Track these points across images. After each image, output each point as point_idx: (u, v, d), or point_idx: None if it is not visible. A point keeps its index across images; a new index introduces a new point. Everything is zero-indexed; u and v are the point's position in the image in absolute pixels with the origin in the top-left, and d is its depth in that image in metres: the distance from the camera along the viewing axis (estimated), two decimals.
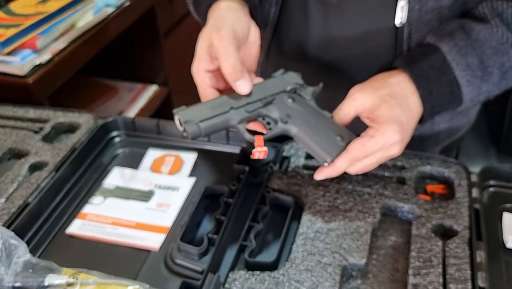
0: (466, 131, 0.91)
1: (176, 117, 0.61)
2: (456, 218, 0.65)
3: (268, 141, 0.82)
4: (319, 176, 0.64)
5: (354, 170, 0.63)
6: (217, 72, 0.64)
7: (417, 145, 0.84)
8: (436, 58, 0.66)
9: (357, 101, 0.63)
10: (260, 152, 0.62)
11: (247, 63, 0.70)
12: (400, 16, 0.69)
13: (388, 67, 0.70)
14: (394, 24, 0.71)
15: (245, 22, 0.66)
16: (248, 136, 0.62)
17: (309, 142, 0.64)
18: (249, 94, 0.63)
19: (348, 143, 0.63)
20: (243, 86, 0.62)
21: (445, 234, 0.65)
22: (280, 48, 0.84)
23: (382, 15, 0.71)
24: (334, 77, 0.78)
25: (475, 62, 0.65)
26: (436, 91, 0.65)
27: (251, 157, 0.63)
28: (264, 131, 0.64)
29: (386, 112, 0.62)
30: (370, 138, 0.61)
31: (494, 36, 0.65)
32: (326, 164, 0.63)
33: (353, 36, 0.74)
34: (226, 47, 0.61)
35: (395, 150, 0.63)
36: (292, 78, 0.68)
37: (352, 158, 0.62)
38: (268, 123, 0.64)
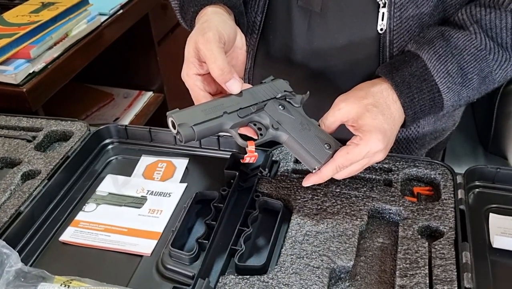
0: (451, 133, 0.93)
1: (170, 120, 0.61)
2: (442, 219, 0.66)
3: (258, 146, 0.84)
4: (307, 182, 0.67)
5: (340, 176, 0.66)
6: (207, 76, 0.65)
7: (403, 147, 0.86)
8: (417, 66, 0.68)
9: (341, 111, 0.65)
10: (251, 157, 0.64)
11: (234, 69, 0.71)
12: (382, 23, 0.71)
13: (372, 74, 0.71)
14: (377, 31, 0.72)
15: (231, 26, 0.68)
16: (240, 141, 0.63)
17: (298, 150, 0.65)
18: (241, 99, 0.64)
19: (335, 151, 0.64)
20: (233, 86, 0.63)
21: (431, 235, 0.66)
22: (267, 55, 0.85)
23: (364, 23, 0.72)
24: (320, 84, 0.79)
25: (454, 69, 0.67)
26: (418, 98, 0.67)
27: (242, 161, 0.64)
28: (255, 136, 0.66)
29: (369, 122, 0.64)
30: (354, 147, 0.63)
31: (473, 43, 0.67)
32: (314, 171, 0.65)
33: (337, 43, 0.75)
34: (211, 50, 0.62)
35: (379, 156, 0.65)
36: (282, 86, 0.69)
37: (338, 165, 0.64)
38: (260, 129, 0.66)
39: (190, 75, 0.65)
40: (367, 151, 0.63)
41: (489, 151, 1.30)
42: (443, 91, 0.68)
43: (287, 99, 0.68)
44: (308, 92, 0.70)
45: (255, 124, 0.66)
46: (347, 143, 0.65)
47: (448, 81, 0.67)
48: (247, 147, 0.63)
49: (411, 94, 0.67)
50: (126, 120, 1.71)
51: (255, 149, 0.64)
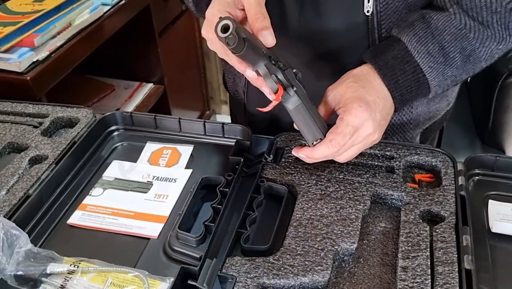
0: (446, 114, 0.94)
1: (225, 22, 0.56)
2: (443, 204, 0.67)
3: (260, 133, 0.85)
4: (298, 152, 0.68)
5: (340, 158, 0.68)
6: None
7: (397, 128, 0.87)
8: (399, 48, 0.70)
9: (329, 98, 0.68)
10: (276, 103, 0.64)
11: None
12: (368, 5, 0.73)
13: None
14: (364, 14, 0.74)
15: None
16: (271, 83, 0.62)
17: (306, 119, 0.66)
18: (271, 52, 0.63)
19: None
20: (268, 37, 0.61)
21: (432, 219, 0.68)
22: None
23: (352, 6, 0.74)
24: (312, 69, 0.81)
25: (436, 49, 0.69)
26: (402, 80, 0.69)
27: (275, 100, 0.63)
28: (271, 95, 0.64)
29: (350, 95, 0.66)
30: (340, 120, 0.66)
31: (452, 23, 0.69)
32: (314, 143, 0.67)
33: (328, 27, 0.77)
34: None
35: (369, 128, 0.65)
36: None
37: (329, 141, 0.65)
38: (282, 84, 0.64)
39: (220, 10, 0.62)
40: (352, 119, 0.64)
41: (486, 143, 1.33)
42: (426, 71, 0.70)
43: (297, 76, 0.69)
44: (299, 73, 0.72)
45: (279, 79, 0.64)
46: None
47: (430, 61, 0.69)
48: (277, 91, 0.63)
49: (395, 76, 0.69)
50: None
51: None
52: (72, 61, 1.26)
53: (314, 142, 0.67)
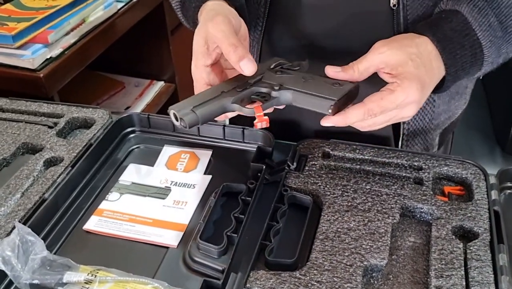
0: (461, 113, 0.91)
1: (171, 112, 0.60)
2: (476, 220, 0.65)
3: (283, 140, 0.83)
4: (326, 122, 0.62)
5: (363, 125, 0.62)
6: (215, 67, 0.65)
7: (419, 130, 0.84)
8: (457, 20, 0.65)
9: (382, 56, 0.62)
10: (262, 121, 0.62)
11: None
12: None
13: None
14: (389, 7, 0.71)
15: (236, 14, 0.66)
16: (246, 110, 0.62)
17: (307, 99, 0.62)
18: (236, 80, 0.64)
19: (348, 88, 0.62)
20: (247, 65, 0.60)
21: (465, 235, 0.65)
22: (274, 47, 0.83)
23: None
24: (337, 61, 0.78)
25: (495, 22, 0.65)
26: (460, 54, 0.65)
27: (255, 127, 0.62)
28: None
29: (411, 70, 0.61)
30: (390, 93, 0.60)
31: None
32: (330, 111, 0.61)
33: (350, 23, 0.74)
34: (223, 30, 0.61)
35: (411, 110, 0.62)
36: (276, 60, 0.69)
37: (368, 110, 0.60)
38: (263, 96, 0.64)
39: (198, 67, 0.64)
40: (402, 98, 0.60)
41: (507, 152, 1.30)
42: (485, 46, 0.65)
43: (283, 67, 0.67)
44: (307, 59, 0.69)
45: (257, 95, 0.64)
46: (381, 89, 0.61)
47: (490, 34, 0.65)
48: (254, 113, 0.61)
49: (453, 50, 0.64)
50: (138, 110, 1.69)
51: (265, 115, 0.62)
52: (86, 59, 1.24)
53: (330, 111, 0.61)
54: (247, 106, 0.63)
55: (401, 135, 0.83)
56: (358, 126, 0.63)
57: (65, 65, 1.16)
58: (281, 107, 0.65)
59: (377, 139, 0.81)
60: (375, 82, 0.64)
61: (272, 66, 0.67)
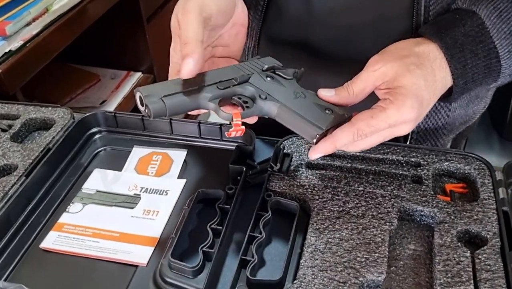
0: (480, 117, 0.84)
1: (137, 95, 0.52)
2: (483, 223, 0.57)
3: (267, 136, 0.75)
4: (315, 153, 0.54)
5: (355, 149, 0.55)
6: None
7: (430, 134, 0.76)
8: (472, 24, 0.56)
9: (377, 73, 0.54)
10: (237, 131, 0.54)
11: (231, 47, 0.62)
12: None
13: (404, 38, 0.60)
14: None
15: None
16: (223, 114, 0.54)
17: (293, 119, 0.55)
18: (221, 73, 0.56)
19: (340, 117, 0.54)
20: (186, 65, 0.51)
21: (472, 241, 0.57)
22: (275, 28, 0.75)
23: None
24: (349, 66, 0.70)
25: None
26: (472, 64, 0.56)
27: (227, 135, 0.55)
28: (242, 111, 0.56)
29: (408, 84, 0.52)
30: (381, 111, 0.52)
31: None
32: (314, 141, 0.54)
33: (365, 2, 0.65)
34: (188, 20, 0.52)
35: (404, 129, 0.54)
36: (269, 61, 0.61)
37: (357, 130, 0.52)
38: (245, 102, 0.56)
39: (176, 50, 0.56)
40: (396, 118, 0.52)
41: (504, 137, 1.23)
42: (503, 56, 0.56)
43: (275, 72, 0.59)
44: (302, 68, 0.61)
45: (239, 98, 0.56)
46: (372, 106, 0.53)
47: (510, 43, 0.56)
48: (232, 120, 0.53)
49: (464, 60, 0.55)
50: (114, 103, 1.60)
51: (243, 124, 0.54)
52: (50, 52, 1.14)
53: (315, 140, 0.55)
54: (225, 109, 0.55)
55: (408, 140, 0.75)
56: (350, 149, 0.55)
57: (27, 59, 1.06)
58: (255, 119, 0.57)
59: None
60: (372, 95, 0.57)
61: (264, 69, 0.59)
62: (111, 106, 1.57)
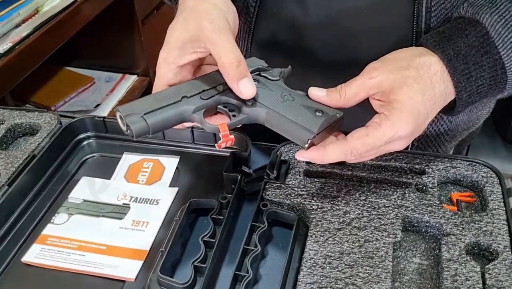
0: (483, 122, 0.81)
1: (118, 115, 0.49)
2: (493, 235, 0.54)
3: (263, 142, 0.71)
4: (301, 156, 0.52)
5: (350, 160, 0.52)
6: (186, 67, 0.54)
7: (432, 141, 0.73)
8: (475, 34, 0.53)
9: (374, 80, 0.51)
10: (226, 141, 0.51)
11: None
12: None
13: (404, 46, 0.57)
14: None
15: (231, 6, 0.55)
16: (209, 126, 0.51)
17: (283, 124, 0.52)
18: (203, 82, 0.53)
19: (330, 118, 0.52)
20: (247, 86, 0.51)
21: (481, 254, 0.54)
22: (268, 33, 0.71)
23: None
24: (340, 61, 0.66)
25: None
26: (476, 77, 0.53)
27: (217, 147, 0.52)
28: (228, 121, 0.53)
29: (404, 99, 0.50)
30: (376, 128, 0.50)
31: None
32: (306, 146, 0.51)
33: (362, 6, 0.62)
34: (226, 39, 0.50)
35: (398, 145, 0.51)
36: (254, 62, 0.57)
37: (351, 149, 0.50)
38: (231, 110, 0.53)
39: (167, 62, 0.52)
40: (391, 135, 0.49)
41: (508, 141, 1.20)
42: (509, 68, 0.53)
43: (261, 74, 0.56)
44: (289, 66, 0.58)
45: (225, 107, 0.53)
46: (367, 124, 0.51)
47: None
48: (219, 132, 0.51)
49: (467, 72, 0.52)
50: (108, 107, 1.57)
51: (231, 133, 0.51)
52: (41, 54, 1.11)
53: (306, 145, 0.52)
54: (211, 120, 0.52)
55: (409, 148, 0.72)
56: (345, 160, 0.52)
57: (17, 62, 1.03)
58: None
59: None
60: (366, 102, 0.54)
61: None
62: (105, 110, 1.54)
